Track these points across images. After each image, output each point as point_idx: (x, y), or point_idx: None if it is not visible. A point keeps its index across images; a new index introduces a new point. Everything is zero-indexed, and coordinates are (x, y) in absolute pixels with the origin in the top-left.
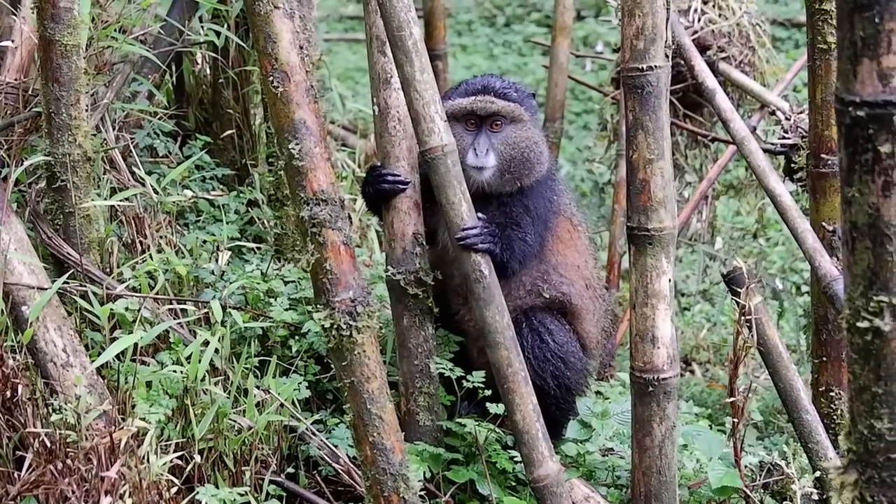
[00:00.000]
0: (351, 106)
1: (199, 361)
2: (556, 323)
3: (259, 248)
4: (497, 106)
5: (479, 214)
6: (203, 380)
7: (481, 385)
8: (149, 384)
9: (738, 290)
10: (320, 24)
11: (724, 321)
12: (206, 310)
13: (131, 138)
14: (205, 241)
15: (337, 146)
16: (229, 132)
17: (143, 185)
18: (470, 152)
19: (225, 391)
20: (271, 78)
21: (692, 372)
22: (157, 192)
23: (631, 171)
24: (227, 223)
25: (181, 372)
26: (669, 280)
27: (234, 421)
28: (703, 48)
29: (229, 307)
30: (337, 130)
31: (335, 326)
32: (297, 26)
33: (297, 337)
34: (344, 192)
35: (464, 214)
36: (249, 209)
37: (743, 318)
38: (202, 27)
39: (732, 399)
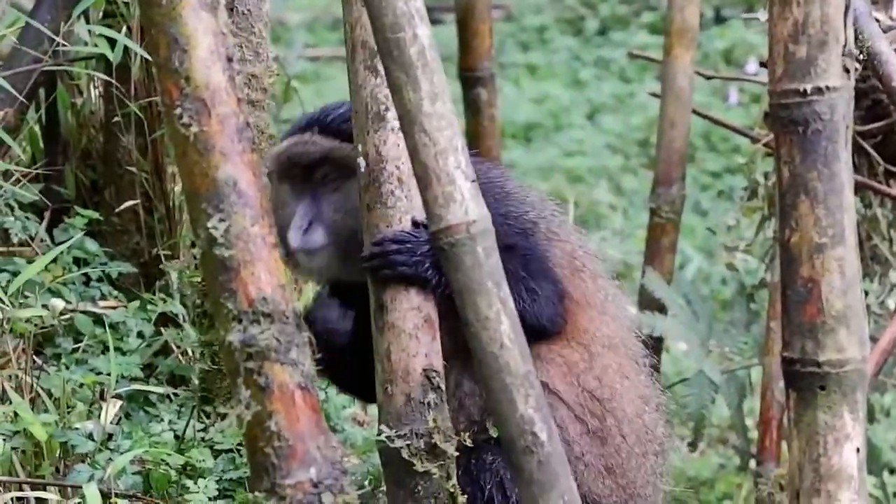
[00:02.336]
0: None
1: None
2: None
3: (175, 395)
4: (319, 148)
5: None
6: None
7: None
8: None
9: None
10: (301, 30)
11: None
12: (78, 500)
13: None
14: (82, 385)
15: None
16: (131, 203)
17: None
18: (292, 227)
19: None
20: (179, 111)
21: None
22: (5, 303)
23: (788, 263)
24: (125, 353)
25: None
26: (858, 450)
27: None
28: None
29: (116, 494)
30: None
31: None
32: (225, 25)
33: None
34: None
35: (504, 339)
36: (162, 330)
37: None
38: (89, 33)
39: None
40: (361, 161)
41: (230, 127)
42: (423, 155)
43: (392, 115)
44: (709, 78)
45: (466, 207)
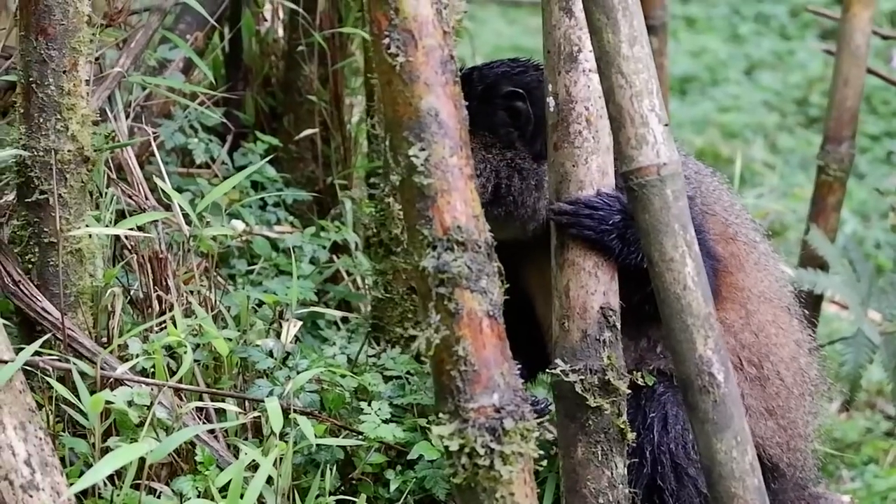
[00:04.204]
0: None
1: (242, 496)
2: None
3: (346, 321)
4: None
5: None
6: None
7: None
8: None
9: None
10: None
11: None
12: (256, 413)
13: (154, 133)
14: (261, 304)
15: None
16: (309, 132)
17: (169, 208)
18: None
19: None
20: (387, 41)
21: None
22: (189, 222)
23: None
24: (298, 277)
25: None
26: None
27: None
28: None
29: (295, 410)
30: None
31: (467, 450)
32: None
33: (399, 467)
34: None
35: (687, 280)
36: (335, 257)
37: None
38: None
39: None
40: (551, 101)
41: (435, 59)
42: (619, 96)
43: (584, 56)
44: (885, 38)
45: (658, 150)
